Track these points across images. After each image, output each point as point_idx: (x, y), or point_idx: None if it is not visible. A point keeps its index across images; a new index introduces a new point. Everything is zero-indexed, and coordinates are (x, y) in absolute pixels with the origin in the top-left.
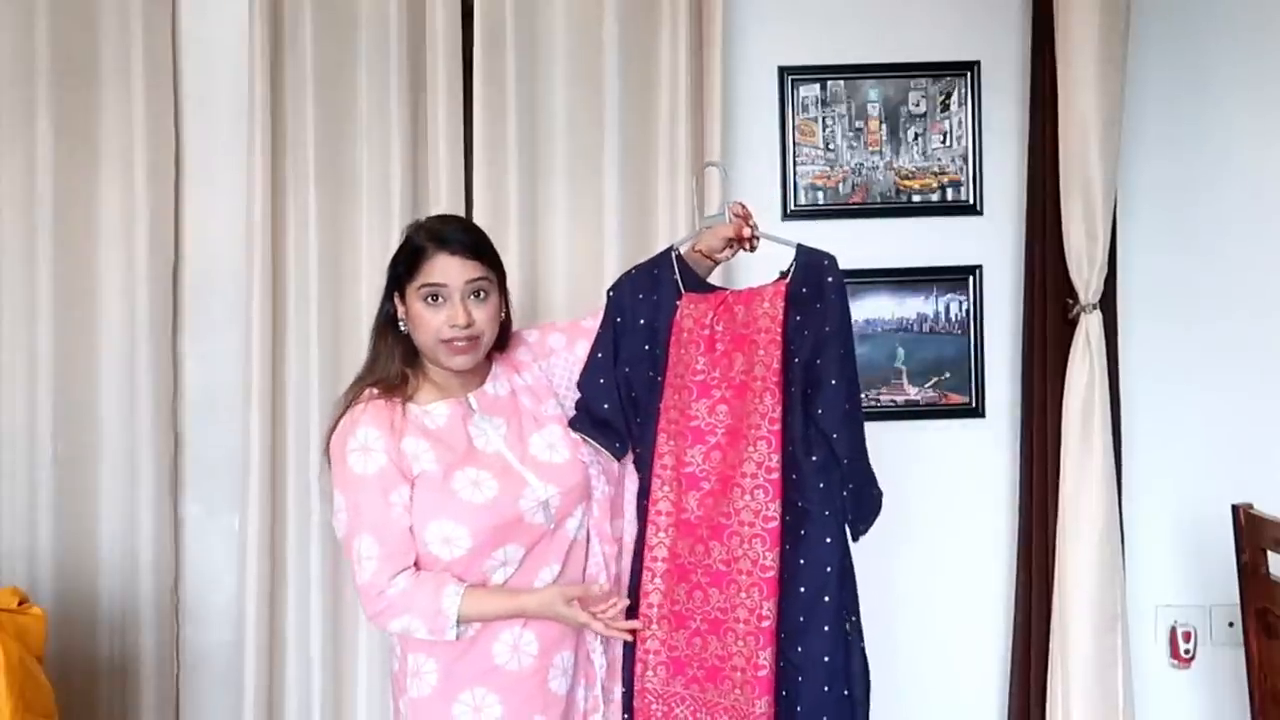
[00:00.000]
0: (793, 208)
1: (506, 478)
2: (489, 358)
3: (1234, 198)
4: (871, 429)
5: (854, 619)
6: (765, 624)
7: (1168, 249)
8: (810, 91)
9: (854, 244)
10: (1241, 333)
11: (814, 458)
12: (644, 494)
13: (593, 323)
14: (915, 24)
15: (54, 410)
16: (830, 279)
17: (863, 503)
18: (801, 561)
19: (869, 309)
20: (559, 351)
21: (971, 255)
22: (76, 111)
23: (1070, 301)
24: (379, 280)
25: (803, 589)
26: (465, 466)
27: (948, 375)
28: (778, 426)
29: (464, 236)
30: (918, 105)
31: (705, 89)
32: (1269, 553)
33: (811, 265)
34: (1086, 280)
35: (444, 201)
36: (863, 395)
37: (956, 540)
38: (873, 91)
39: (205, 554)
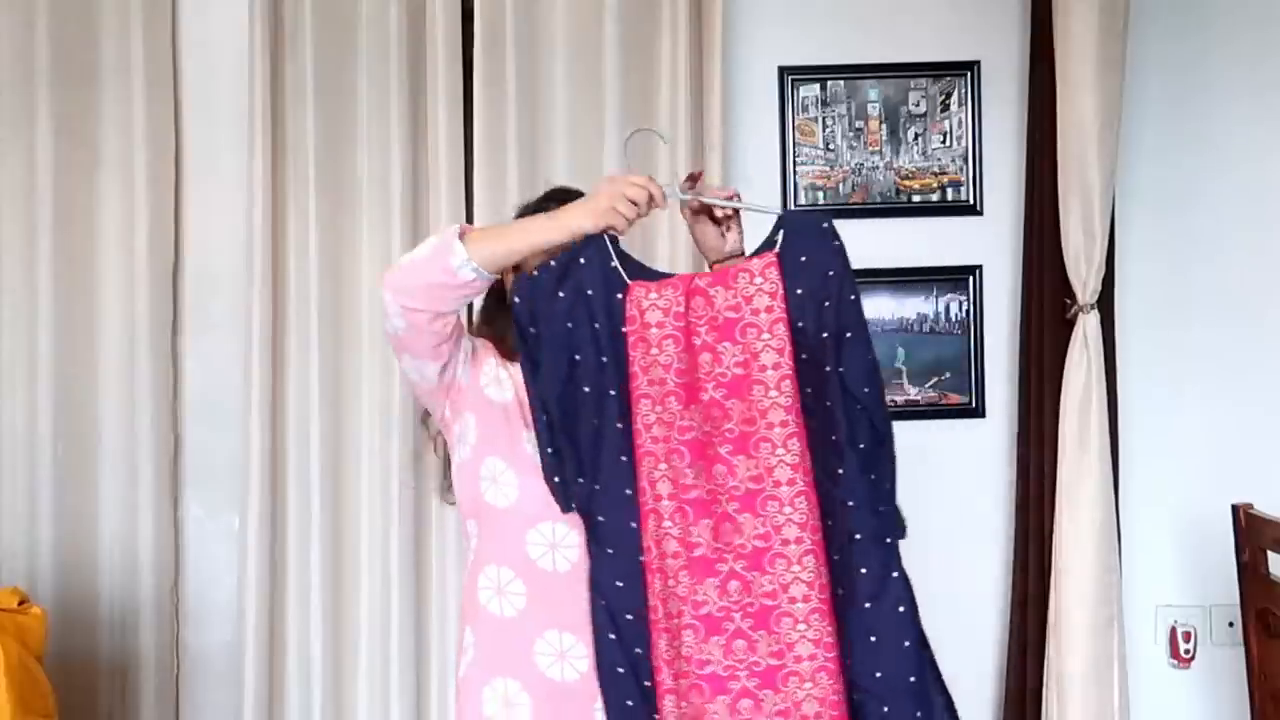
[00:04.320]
0: (793, 208)
1: None
2: None
3: (1232, 199)
4: None
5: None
6: (832, 654)
7: (1166, 249)
8: (810, 91)
9: (854, 244)
10: (1240, 332)
11: (840, 471)
12: (624, 539)
13: None
14: (915, 24)
15: (54, 410)
16: (836, 242)
17: (885, 466)
18: (864, 570)
19: (869, 309)
20: None
21: (971, 255)
22: (76, 112)
23: (1068, 301)
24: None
25: (868, 604)
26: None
27: (948, 375)
28: (802, 418)
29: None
30: (918, 105)
31: (705, 89)
32: (1269, 553)
33: (807, 229)
34: (1084, 280)
35: (444, 202)
36: None
37: (955, 540)
38: (873, 91)
39: (205, 554)
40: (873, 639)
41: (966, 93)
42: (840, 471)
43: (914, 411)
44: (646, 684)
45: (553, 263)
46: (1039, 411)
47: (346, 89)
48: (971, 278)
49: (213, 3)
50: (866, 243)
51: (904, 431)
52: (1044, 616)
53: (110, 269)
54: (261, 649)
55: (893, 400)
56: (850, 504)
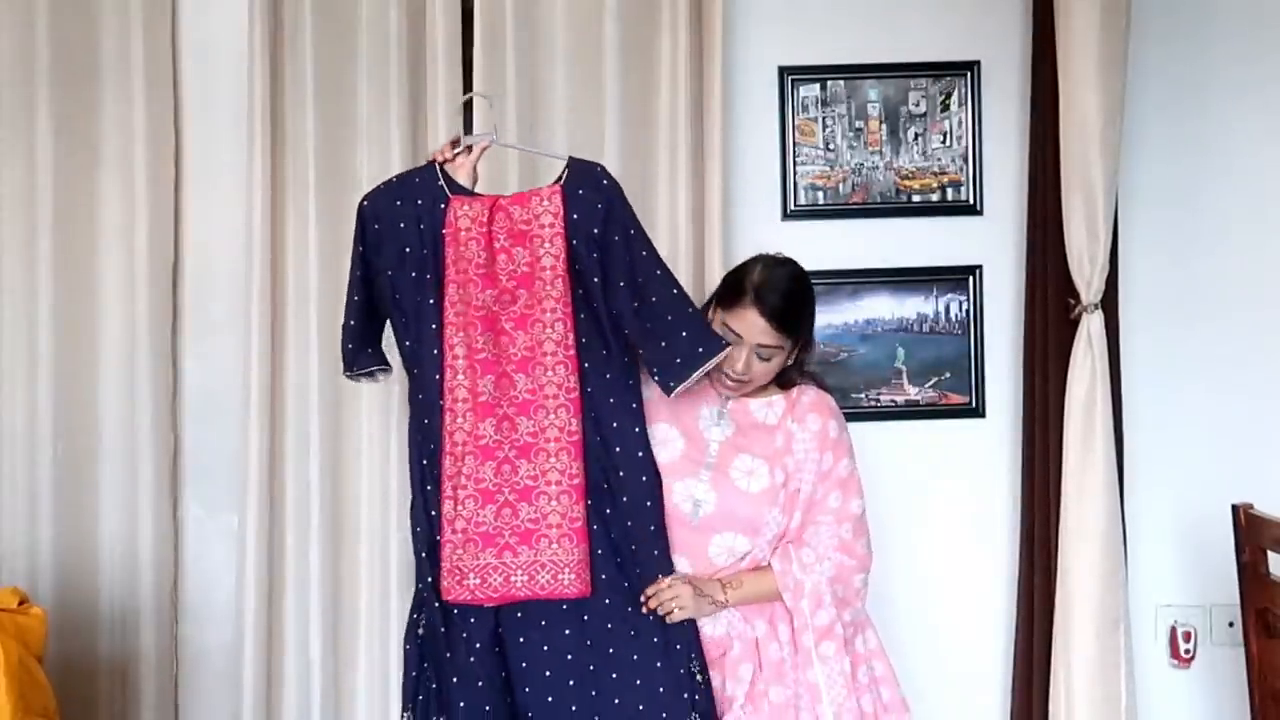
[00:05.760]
0: (793, 208)
1: (688, 459)
2: (782, 393)
3: (1235, 197)
4: (872, 429)
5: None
6: (576, 481)
7: (1169, 248)
8: (810, 91)
9: (854, 244)
10: (1243, 332)
11: (604, 351)
12: (430, 387)
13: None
14: (915, 24)
15: (54, 410)
16: (605, 181)
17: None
18: (615, 424)
19: (869, 309)
20: (825, 451)
21: (971, 255)
22: (76, 111)
23: (1072, 301)
24: None
25: (618, 449)
26: (668, 424)
27: (948, 375)
28: (570, 309)
29: (779, 301)
30: (918, 105)
31: (705, 89)
32: (1269, 553)
33: (585, 171)
34: (1088, 280)
35: None
36: (862, 395)
37: (957, 541)
38: (873, 91)
39: (205, 554)
40: (621, 473)
41: (967, 92)
42: (604, 352)
43: (914, 411)
44: (434, 510)
45: (391, 179)
46: (1043, 411)
47: (346, 90)
48: (971, 278)
49: (213, 3)
50: (866, 242)
51: (904, 432)
52: (1049, 617)
53: (110, 269)
54: (260, 649)
55: (893, 400)
56: (607, 376)
